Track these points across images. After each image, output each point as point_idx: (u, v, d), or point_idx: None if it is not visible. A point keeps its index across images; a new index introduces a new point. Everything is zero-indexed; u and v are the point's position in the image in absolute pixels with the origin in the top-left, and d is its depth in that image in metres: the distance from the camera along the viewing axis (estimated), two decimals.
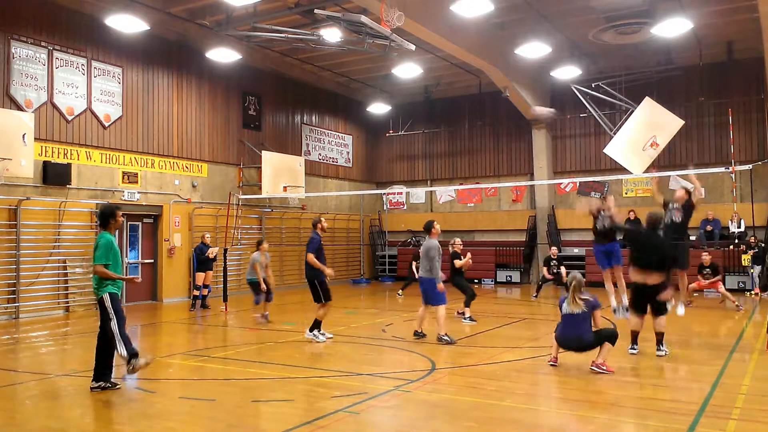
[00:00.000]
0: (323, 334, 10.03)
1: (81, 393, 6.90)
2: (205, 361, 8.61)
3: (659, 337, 8.47)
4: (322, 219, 10.24)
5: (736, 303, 13.46)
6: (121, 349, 6.80)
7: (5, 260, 13.04)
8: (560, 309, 7.85)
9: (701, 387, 6.89)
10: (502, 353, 8.93)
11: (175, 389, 7.21)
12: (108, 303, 6.95)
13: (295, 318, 12.78)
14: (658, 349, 8.45)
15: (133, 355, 6.80)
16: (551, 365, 7.86)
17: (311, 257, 9.73)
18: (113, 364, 6.99)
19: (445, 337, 9.59)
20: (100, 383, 6.88)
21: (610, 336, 7.69)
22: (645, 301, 8.46)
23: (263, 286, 12.35)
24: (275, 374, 7.74)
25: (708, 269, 14.52)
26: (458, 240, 12.99)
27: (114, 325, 6.88)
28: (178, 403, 6.53)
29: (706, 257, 14.75)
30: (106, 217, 7.10)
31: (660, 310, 8.42)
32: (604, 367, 7.52)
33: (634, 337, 8.56)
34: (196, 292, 14.49)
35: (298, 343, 10.05)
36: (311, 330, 10.03)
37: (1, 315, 12.92)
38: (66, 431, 5.68)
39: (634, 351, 8.50)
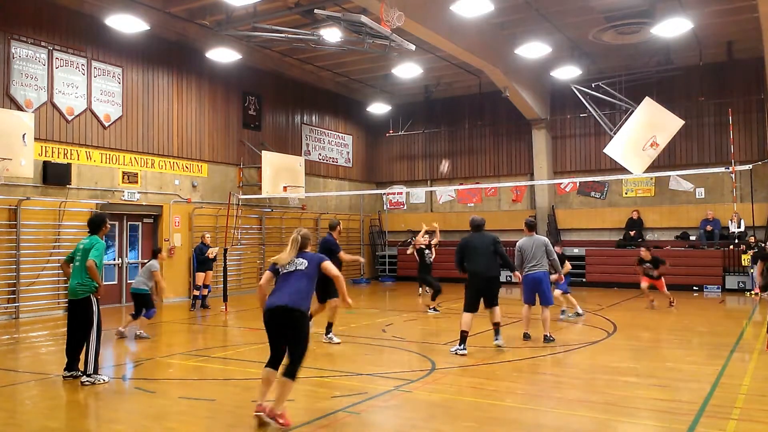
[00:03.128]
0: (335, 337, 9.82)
1: (81, 393, 6.90)
2: (205, 361, 8.62)
3: (497, 327, 9.03)
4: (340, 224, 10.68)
5: (671, 300, 14.01)
6: (90, 364, 7.15)
7: (5, 260, 13.04)
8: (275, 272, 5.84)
9: (701, 387, 6.88)
10: (502, 353, 8.93)
11: (175, 389, 7.20)
12: (94, 307, 7.31)
13: None
14: (496, 339, 9.04)
15: (95, 371, 7.20)
16: (257, 415, 5.50)
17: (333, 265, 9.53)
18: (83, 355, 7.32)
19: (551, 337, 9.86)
20: (73, 372, 7.32)
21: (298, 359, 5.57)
22: (484, 295, 8.88)
23: (161, 292, 11.08)
24: None
25: (649, 263, 13.94)
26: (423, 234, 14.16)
27: (94, 333, 7.23)
28: (178, 403, 6.53)
29: (645, 252, 14.09)
30: (97, 224, 7.69)
31: (494, 301, 8.94)
32: (282, 420, 5.49)
33: (465, 337, 8.69)
34: (196, 292, 14.49)
35: None
36: (327, 333, 9.80)
37: (1, 315, 12.92)
38: (66, 431, 5.68)
39: (464, 352, 8.61)
